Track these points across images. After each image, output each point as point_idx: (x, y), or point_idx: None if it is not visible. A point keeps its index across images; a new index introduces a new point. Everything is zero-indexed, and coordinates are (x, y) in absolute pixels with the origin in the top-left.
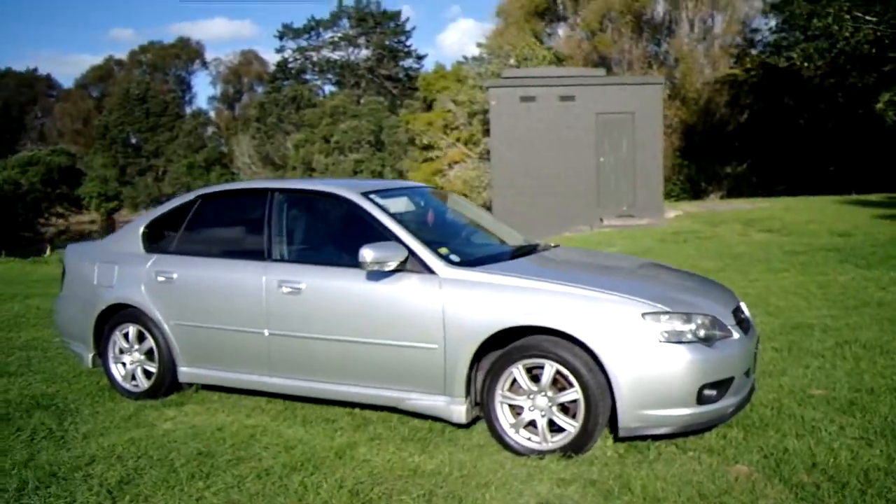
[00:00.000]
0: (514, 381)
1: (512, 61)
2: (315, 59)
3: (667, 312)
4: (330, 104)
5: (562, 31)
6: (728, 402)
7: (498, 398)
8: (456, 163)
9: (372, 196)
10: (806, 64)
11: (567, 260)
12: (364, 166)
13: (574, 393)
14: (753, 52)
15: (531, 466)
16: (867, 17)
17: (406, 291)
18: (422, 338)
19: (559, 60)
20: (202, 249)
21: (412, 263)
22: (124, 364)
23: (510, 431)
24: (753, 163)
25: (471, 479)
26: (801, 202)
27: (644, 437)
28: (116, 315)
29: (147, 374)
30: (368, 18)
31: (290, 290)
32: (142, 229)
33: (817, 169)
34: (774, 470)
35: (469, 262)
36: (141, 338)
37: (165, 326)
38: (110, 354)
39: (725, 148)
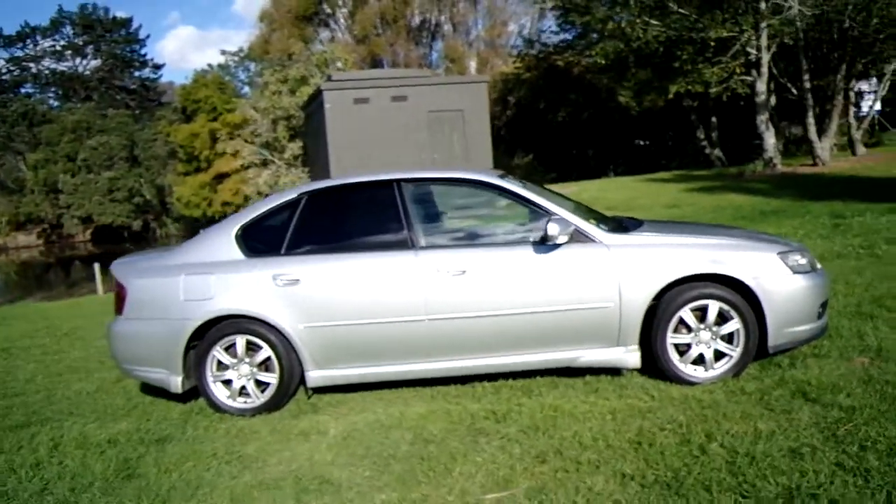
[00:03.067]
0: (680, 322)
1: (298, 66)
2: (34, 70)
3: (790, 251)
4: (71, 119)
5: (334, 35)
6: (826, 317)
7: (669, 339)
8: (226, 174)
9: (510, 179)
10: (602, 61)
11: (679, 225)
12: (121, 183)
13: (735, 323)
14: (532, 52)
15: (703, 389)
16: (653, 22)
17: (578, 260)
18: (597, 299)
19: (325, 64)
20: (324, 247)
21: (575, 235)
22: (229, 381)
23: (680, 366)
24: (536, 153)
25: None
26: (603, 183)
27: (783, 351)
28: (213, 329)
29: (260, 386)
30: (96, 26)
31: (453, 273)
32: (234, 234)
33: (580, 155)
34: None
35: (615, 230)
36: (250, 349)
37: (290, 331)
38: (208, 373)
39: (510, 141)
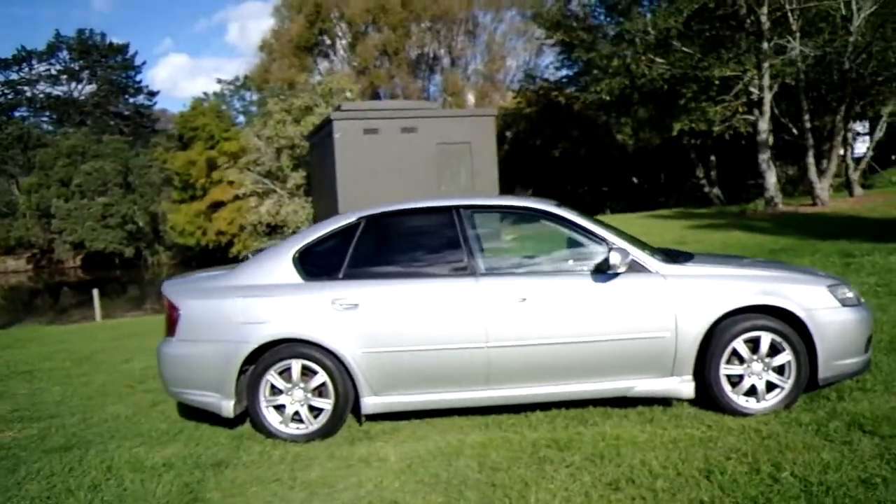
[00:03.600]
0: (733, 353)
1: (304, 96)
2: (29, 93)
3: (839, 284)
4: (66, 143)
5: (333, 65)
6: (871, 352)
7: (722, 370)
8: (221, 203)
9: (565, 209)
10: (607, 98)
11: (729, 258)
12: (114, 210)
13: (787, 355)
14: (532, 87)
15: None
16: (658, 60)
17: (636, 290)
18: (654, 328)
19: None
20: (383, 272)
21: (633, 265)
22: (281, 406)
23: (733, 397)
24: (534, 188)
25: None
26: (606, 219)
27: (830, 384)
28: (268, 353)
29: (314, 412)
30: (92, 51)
31: (514, 301)
32: (292, 256)
33: (576, 191)
34: None
35: (669, 261)
36: (305, 373)
37: (348, 357)
38: (261, 398)
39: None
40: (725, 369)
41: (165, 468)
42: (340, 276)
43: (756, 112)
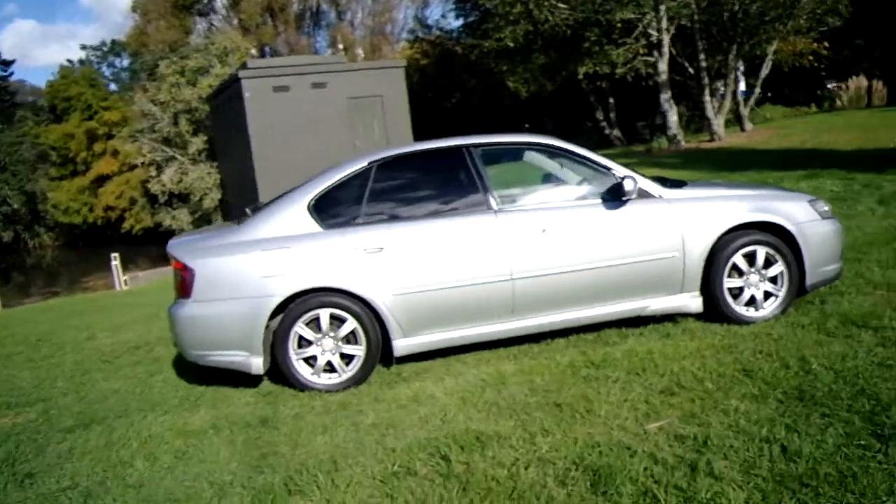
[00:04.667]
0: (733, 267)
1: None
2: None
3: (816, 199)
4: None
5: (213, 24)
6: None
7: (725, 284)
8: (107, 176)
9: (572, 144)
10: (511, 45)
11: (718, 183)
12: None
13: (780, 266)
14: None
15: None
16: (560, 5)
17: (646, 214)
18: (664, 249)
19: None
20: (402, 214)
21: (640, 191)
22: (313, 358)
23: (737, 308)
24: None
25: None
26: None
27: (815, 289)
28: (294, 305)
29: (344, 359)
30: None
31: (539, 232)
32: (307, 205)
33: None
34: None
35: (669, 186)
36: (333, 322)
37: (378, 301)
38: (291, 351)
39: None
40: (728, 282)
41: (214, 430)
42: (360, 221)
43: (656, 54)
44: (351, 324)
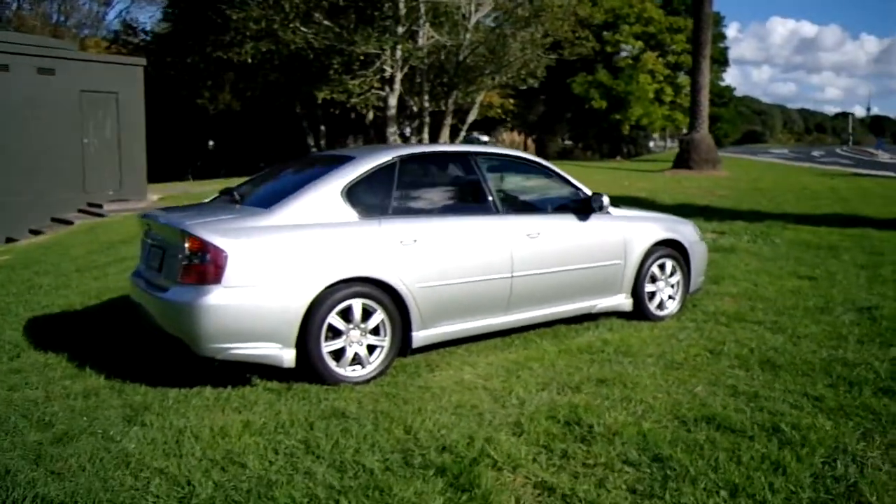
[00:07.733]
0: (651, 274)
1: None
2: None
3: (694, 225)
4: None
5: None
6: None
7: (646, 288)
8: None
9: (550, 162)
10: (250, 60)
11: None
12: None
13: (679, 274)
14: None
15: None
16: (303, 29)
17: (605, 226)
18: (614, 257)
19: None
20: (423, 209)
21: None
22: (341, 350)
23: (653, 309)
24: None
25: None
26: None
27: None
28: (333, 294)
29: (370, 351)
30: None
31: (532, 236)
32: (341, 193)
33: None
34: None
35: (613, 206)
36: (365, 313)
37: (407, 292)
38: (322, 342)
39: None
40: (648, 287)
41: (289, 423)
42: (391, 213)
43: (388, 88)
44: (380, 315)
